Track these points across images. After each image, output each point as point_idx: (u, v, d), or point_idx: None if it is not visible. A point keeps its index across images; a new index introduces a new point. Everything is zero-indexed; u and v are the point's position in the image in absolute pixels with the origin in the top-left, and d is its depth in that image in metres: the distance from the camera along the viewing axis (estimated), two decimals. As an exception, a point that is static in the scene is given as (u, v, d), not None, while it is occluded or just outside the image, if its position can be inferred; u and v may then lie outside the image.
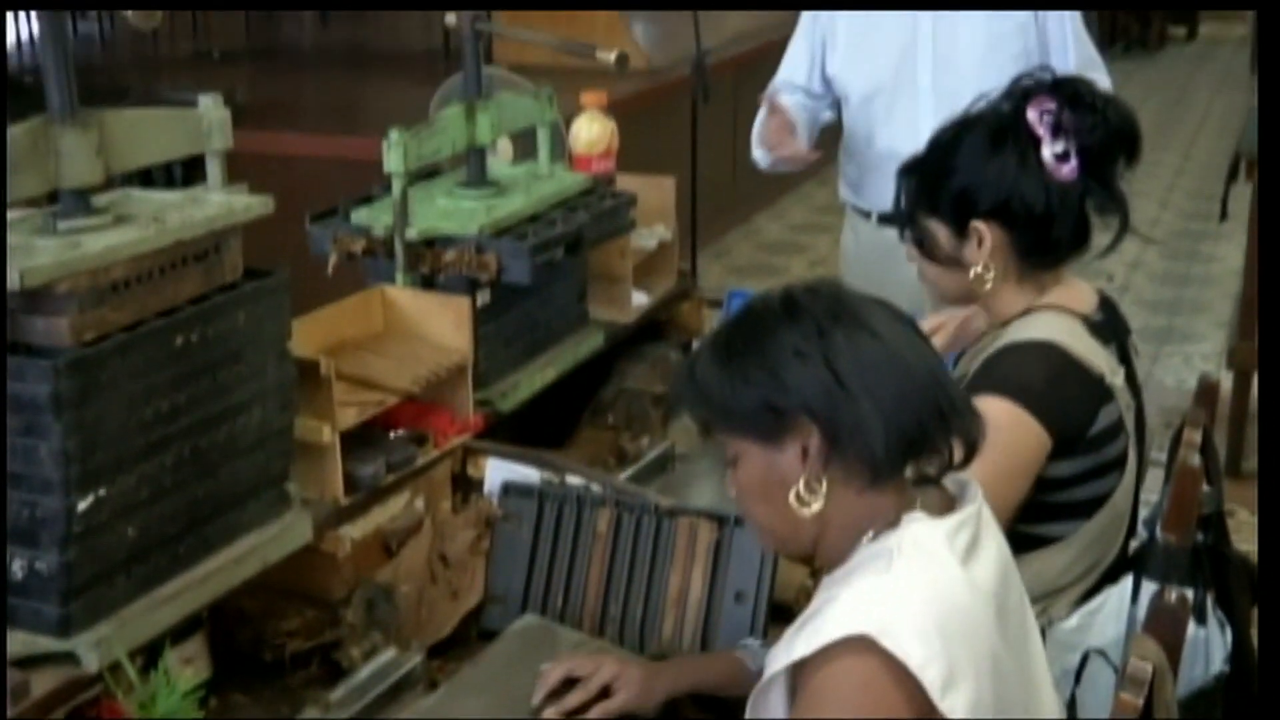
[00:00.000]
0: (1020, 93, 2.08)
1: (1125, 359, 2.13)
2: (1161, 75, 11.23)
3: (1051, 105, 2.03)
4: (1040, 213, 2.03)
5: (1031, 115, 2.03)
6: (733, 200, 7.00)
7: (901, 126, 2.93)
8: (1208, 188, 7.33)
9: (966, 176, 2.06)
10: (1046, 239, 2.06)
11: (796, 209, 7.28)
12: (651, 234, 2.82)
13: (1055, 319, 2.07)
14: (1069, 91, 2.05)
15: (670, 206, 2.87)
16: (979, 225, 2.06)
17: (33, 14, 1.74)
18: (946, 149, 2.10)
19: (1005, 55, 2.90)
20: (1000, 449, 1.72)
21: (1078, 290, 2.14)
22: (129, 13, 1.62)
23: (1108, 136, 2.04)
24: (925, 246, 2.13)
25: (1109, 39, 12.12)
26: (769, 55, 6.94)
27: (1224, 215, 4.52)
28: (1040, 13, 2.95)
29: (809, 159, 2.96)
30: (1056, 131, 2.02)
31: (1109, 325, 2.13)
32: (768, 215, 7.23)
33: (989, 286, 2.08)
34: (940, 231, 2.11)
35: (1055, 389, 2.00)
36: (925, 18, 2.97)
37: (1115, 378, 2.06)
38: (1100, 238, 2.12)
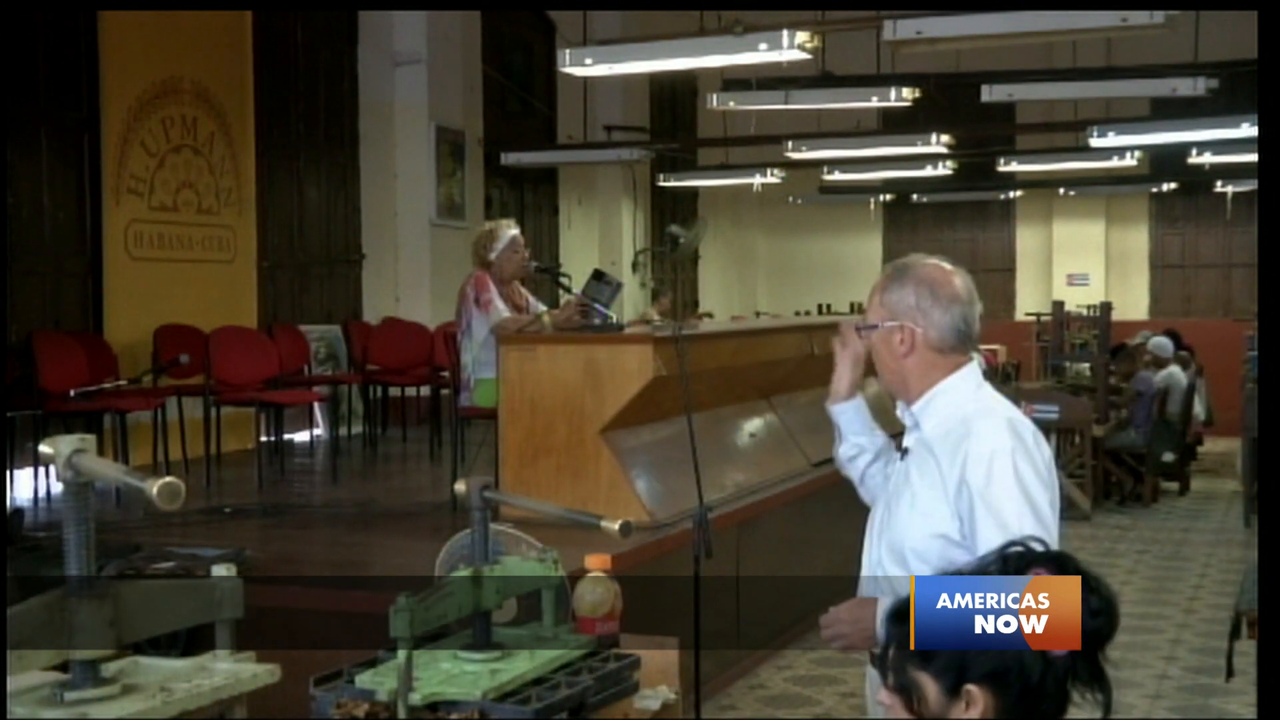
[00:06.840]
0: (1015, 559, 2.06)
1: None
2: (1156, 530, 11.37)
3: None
4: (1034, 684, 2.01)
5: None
6: (736, 651, 6.96)
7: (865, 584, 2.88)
8: (1212, 643, 7.30)
9: None
10: (1034, 712, 2.03)
11: (800, 660, 7.22)
12: (655, 695, 2.81)
13: None
14: (1070, 569, 2.03)
15: (673, 667, 2.87)
16: (972, 689, 2.02)
17: (52, 475, 1.81)
18: None
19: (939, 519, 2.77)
20: None
21: None
22: (154, 492, 1.68)
23: (1106, 619, 2.03)
24: (908, 699, 2.10)
25: (1104, 493, 12.35)
26: (770, 510, 7.10)
27: (1230, 674, 4.49)
28: (963, 497, 2.76)
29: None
30: None
31: None
32: (771, 667, 7.16)
33: None
34: (930, 688, 2.06)
35: None
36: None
37: None
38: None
